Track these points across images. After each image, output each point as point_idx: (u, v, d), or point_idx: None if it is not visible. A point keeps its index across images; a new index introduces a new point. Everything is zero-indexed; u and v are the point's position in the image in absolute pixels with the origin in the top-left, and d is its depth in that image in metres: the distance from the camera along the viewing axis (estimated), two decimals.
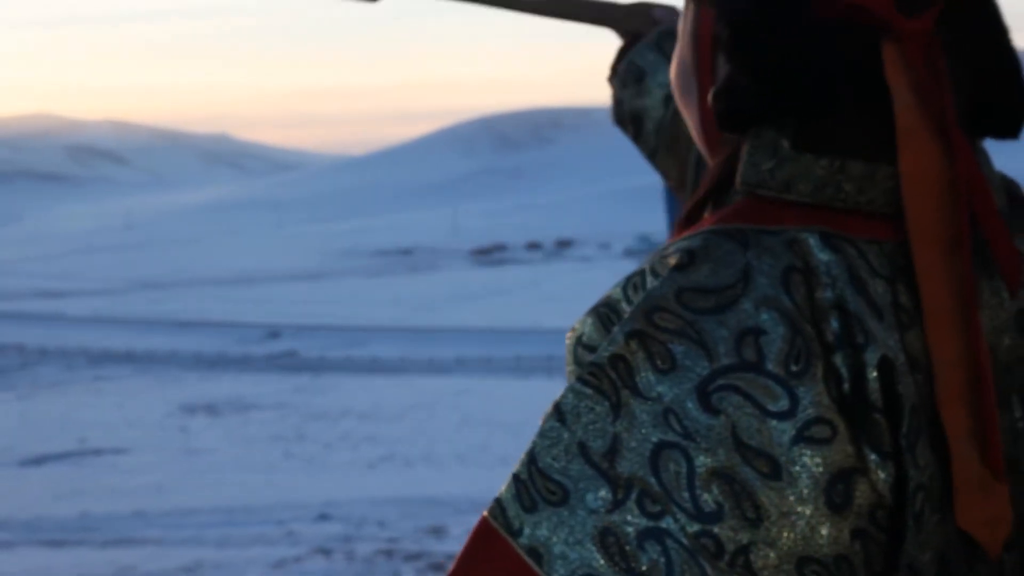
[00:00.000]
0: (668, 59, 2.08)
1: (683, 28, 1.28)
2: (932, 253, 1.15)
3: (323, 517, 15.67)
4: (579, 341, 1.17)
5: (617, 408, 1.09)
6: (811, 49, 1.17)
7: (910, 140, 1.15)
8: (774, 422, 1.07)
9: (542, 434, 1.11)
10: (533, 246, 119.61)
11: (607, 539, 1.07)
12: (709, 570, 1.05)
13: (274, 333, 49.95)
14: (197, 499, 17.78)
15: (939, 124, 1.16)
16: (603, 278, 77.03)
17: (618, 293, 1.15)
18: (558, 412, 1.10)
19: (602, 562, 1.07)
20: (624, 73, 2.13)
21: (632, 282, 1.15)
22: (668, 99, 2.10)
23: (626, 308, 1.14)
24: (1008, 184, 1.27)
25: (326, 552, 12.91)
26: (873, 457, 1.08)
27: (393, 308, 63.37)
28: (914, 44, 1.14)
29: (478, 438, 23.89)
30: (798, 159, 1.16)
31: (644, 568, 1.06)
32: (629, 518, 1.07)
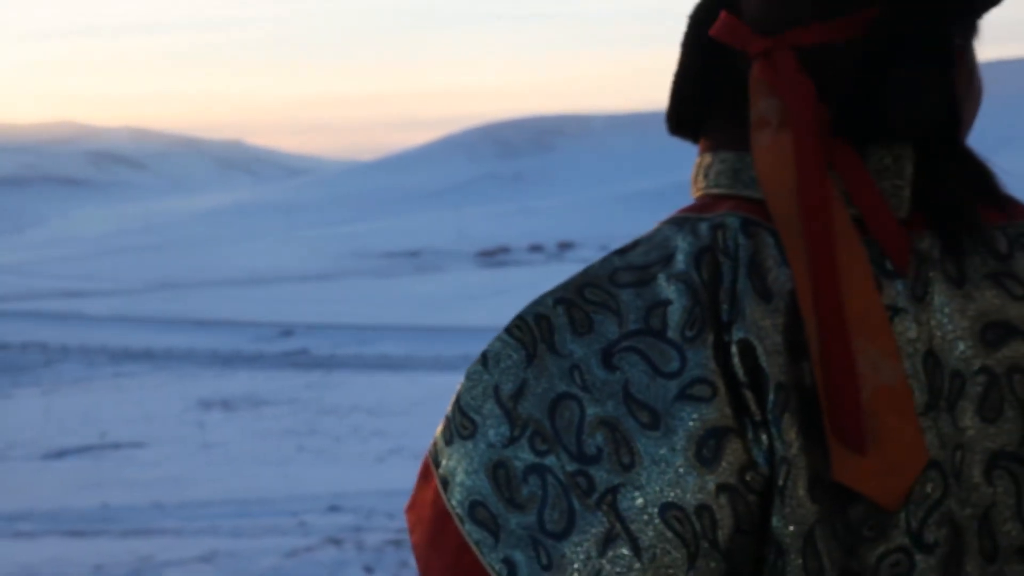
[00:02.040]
0: None
1: None
2: (789, 237, 1.21)
3: (334, 508, 15.67)
4: None
5: (532, 358, 1.18)
6: (708, 74, 1.28)
7: (757, 138, 1.23)
8: (663, 380, 1.15)
9: (467, 376, 1.23)
10: (536, 248, 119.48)
11: (498, 471, 1.16)
12: (577, 505, 1.12)
13: (287, 331, 49.98)
14: (213, 491, 17.79)
15: (788, 128, 1.24)
16: None
17: None
18: (483, 357, 1.22)
19: (490, 490, 1.15)
20: None
21: None
22: None
23: None
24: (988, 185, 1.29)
25: (337, 542, 12.91)
26: (749, 425, 1.13)
27: (401, 307, 63.43)
28: (773, 60, 1.22)
29: None
30: (700, 157, 1.28)
31: (523, 498, 1.14)
32: (520, 454, 1.16)
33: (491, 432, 1.17)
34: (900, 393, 1.14)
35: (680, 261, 1.18)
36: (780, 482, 1.14)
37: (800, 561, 1.11)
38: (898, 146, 1.25)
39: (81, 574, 11.64)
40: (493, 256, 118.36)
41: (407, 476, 18.87)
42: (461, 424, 1.19)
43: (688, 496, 1.12)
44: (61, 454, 22.65)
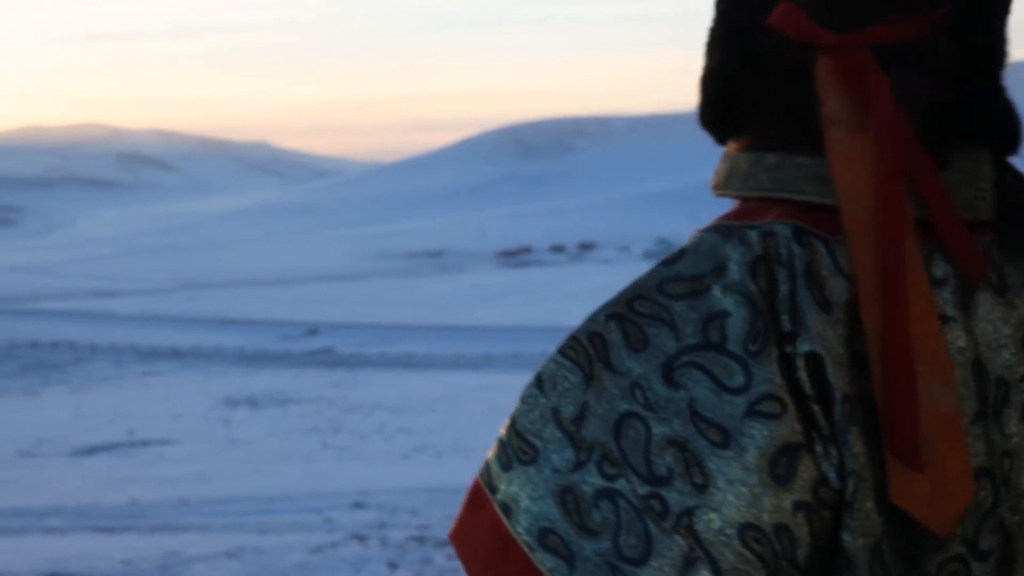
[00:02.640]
0: None
1: None
2: (861, 248, 1.16)
3: (358, 505, 15.67)
4: None
5: (590, 379, 1.13)
6: (750, 69, 1.21)
7: (836, 145, 1.18)
8: (729, 396, 1.10)
9: (523, 399, 1.16)
10: (556, 248, 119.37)
11: (566, 496, 1.11)
12: (653, 528, 1.08)
13: (312, 330, 50.02)
14: (239, 487, 17.80)
15: (865, 130, 1.18)
16: (623, 279, 76.43)
17: None
18: (538, 380, 1.16)
19: (560, 516, 1.10)
20: None
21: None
22: None
23: None
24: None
25: (361, 538, 12.92)
26: (818, 439, 1.09)
27: (424, 307, 63.43)
28: (845, 57, 1.16)
29: None
30: (733, 158, 1.21)
31: (596, 524, 1.09)
32: (588, 478, 1.11)
33: (555, 457, 1.12)
34: (952, 421, 1.12)
35: (734, 271, 1.14)
36: (849, 495, 1.11)
37: (868, 573, 1.09)
38: (975, 149, 1.24)
39: (110, 569, 11.66)
40: (514, 256, 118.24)
41: (430, 473, 18.87)
42: (520, 449, 1.14)
43: (765, 516, 1.09)
44: (90, 451, 22.70)
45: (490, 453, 1.17)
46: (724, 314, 1.12)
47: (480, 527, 1.16)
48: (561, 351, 1.16)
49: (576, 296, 68.09)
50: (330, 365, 38.79)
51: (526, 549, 1.10)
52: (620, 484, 1.09)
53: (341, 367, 38.37)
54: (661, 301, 1.14)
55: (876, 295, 1.12)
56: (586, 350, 1.14)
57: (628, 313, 1.14)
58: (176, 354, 42.77)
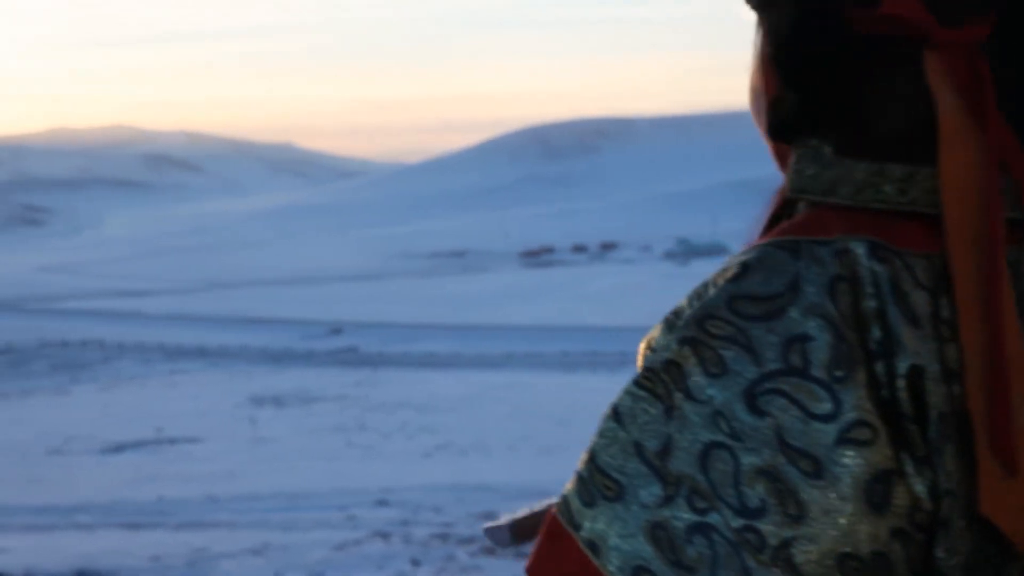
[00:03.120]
0: None
1: (753, 52, 1.25)
2: (965, 255, 1.13)
3: (382, 502, 15.68)
4: (649, 346, 1.17)
5: (670, 410, 1.09)
6: (849, 61, 1.15)
7: (952, 144, 1.14)
8: (818, 424, 1.06)
9: (601, 434, 1.11)
10: (578, 248, 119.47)
11: (657, 532, 1.07)
12: (750, 562, 1.05)
13: (336, 330, 50.13)
14: (264, 485, 17.84)
15: (980, 129, 1.14)
16: (645, 279, 76.83)
17: (684, 303, 1.15)
18: (616, 413, 1.11)
19: (652, 553, 1.07)
20: None
21: (696, 292, 1.15)
22: None
23: None
24: None
25: (384, 536, 12.93)
26: (909, 461, 1.07)
27: (447, 306, 63.47)
28: (956, 53, 1.13)
29: (526, 428, 23.88)
30: (840, 164, 1.15)
31: (691, 560, 1.06)
32: (678, 513, 1.07)
33: (642, 492, 1.09)
34: None
35: (811, 293, 1.10)
36: (944, 515, 1.09)
37: None
38: None
39: (138, 565, 11.70)
40: (537, 256, 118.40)
41: (453, 471, 18.89)
42: (603, 485, 1.10)
43: (863, 545, 1.07)
44: (118, 449, 22.77)
45: (568, 488, 1.13)
46: (805, 338, 1.07)
47: (564, 565, 1.11)
48: (637, 383, 1.10)
49: (598, 296, 68.07)
50: (354, 364, 38.86)
51: None
52: (713, 518, 1.07)
53: (365, 366, 38.43)
54: (735, 322, 1.10)
55: (978, 305, 1.10)
56: (662, 380, 1.11)
57: (702, 336, 1.10)
58: (202, 353, 42.91)
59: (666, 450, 1.09)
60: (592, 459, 1.11)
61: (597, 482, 1.11)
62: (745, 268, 1.12)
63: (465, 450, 21.47)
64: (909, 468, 1.06)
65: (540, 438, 22.26)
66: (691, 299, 1.15)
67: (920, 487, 1.06)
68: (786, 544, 1.05)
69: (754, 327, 1.09)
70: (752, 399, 1.08)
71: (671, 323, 1.15)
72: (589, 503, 1.10)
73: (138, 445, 23.07)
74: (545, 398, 27.99)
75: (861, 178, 1.14)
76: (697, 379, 1.09)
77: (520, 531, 1.41)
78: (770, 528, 1.06)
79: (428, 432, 23.71)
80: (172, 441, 23.47)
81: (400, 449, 21.82)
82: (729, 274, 1.12)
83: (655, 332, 1.17)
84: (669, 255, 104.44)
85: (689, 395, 1.09)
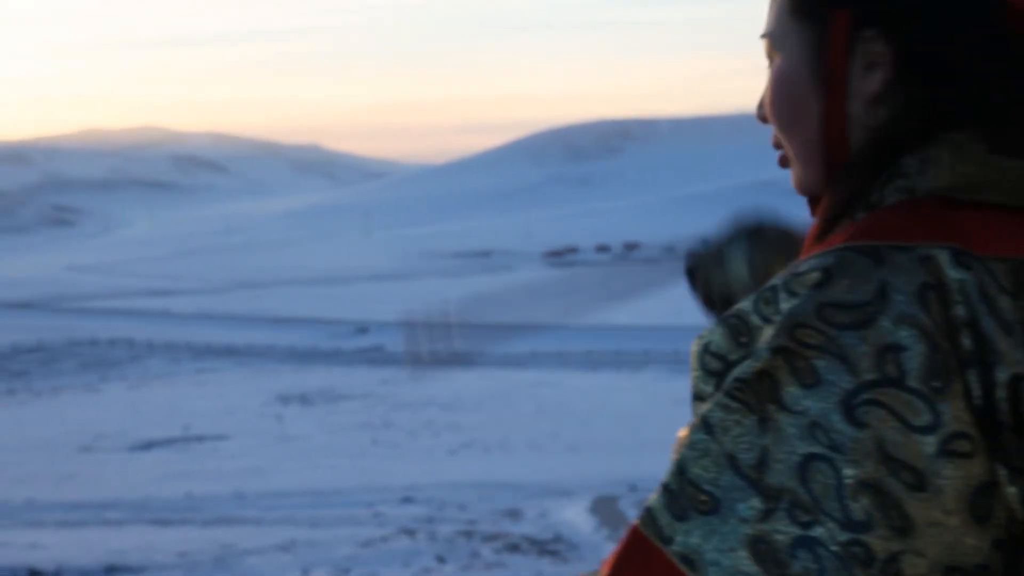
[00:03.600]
0: (746, 237, 1.96)
1: (789, 54, 1.22)
2: None
3: (407, 500, 15.69)
4: (706, 349, 1.14)
5: (764, 422, 1.07)
6: (1003, 60, 1.15)
7: None
8: (917, 436, 1.04)
9: (691, 446, 1.09)
10: (602, 248, 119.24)
11: (759, 547, 1.05)
12: None
13: (362, 329, 50.18)
14: (291, 482, 17.87)
15: None
16: (667, 277, 76.66)
17: (749, 307, 1.13)
18: (706, 425, 1.09)
19: (755, 568, 1.05)
20: (710, 271, 2.02)
21: (763, 296, 1.12)
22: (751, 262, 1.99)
23: (756, 320, 1.12)
24: None
25: (410, 532, 12.93)
26: (1004, 472, 1.06)
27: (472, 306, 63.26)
28: None
29: (551, 427, 23.85)
30: (993, 162, 1.14)
31: (797, 574, 1.04)
32: (780, 527, 1.05)
33: (740, 506, 1.06)
34: None
35: (901, 301, 1.08)
36: None
37: None
38: None
39: (166, 561, 11.73)
40: (561, 256, 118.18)
41: (478, 469, 18.88)
42: (696, 499, 1.07)
43: (968, 558, 1.06)
44: (147, 446, 22.84)
45: (652, 501, 1.10)
46: (899, 348, 1.06)
47: None
48: (729, 394, 1.08)
49: (622, 295, 67.93)
50: (380, 363, 38.87)
51: None
52: (817, 531, 1.04)
53: (391, 365, 38.46)
54: (826, 331, 1.07)
55: None
56: (755, 391, 1.08)
57: (794, 346, 1.07)
58: (230, 352, 43.00)
59: (762, 462, 1.07)
60: (682, 472, 1.09)
61: (689, 495, 1.08)
62: (827, 274, 1.09)
63: (490, 448, 21.46)
64: (1003, 478, 1.04)
65: (564, 436, 22.24)
66: (756, 303, 1.12)
67: (1015, 497, 1.05)
68: (894, 558, 1.04)
69: (845, 336, 1.07)
70: (850, 410, 1.06)
71: (732, 325, 1.13)
72: (681, 516, 1.08)
73: (167, 442, 23.14)
74: (569, 397, 27.96)
75: (1015, 176, 1.13)
76: (791, 390, 1.07)
77: None
78: (877, 542, 1.04)
79: (453, 430, 23.70)
80: (200, 439, 23.52)
81: (425, 447, 21.83)
82: (811, 280, 1.09)
83: (711, 332, 1.15)
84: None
85: (783, 406, 1.07)
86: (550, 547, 11.90)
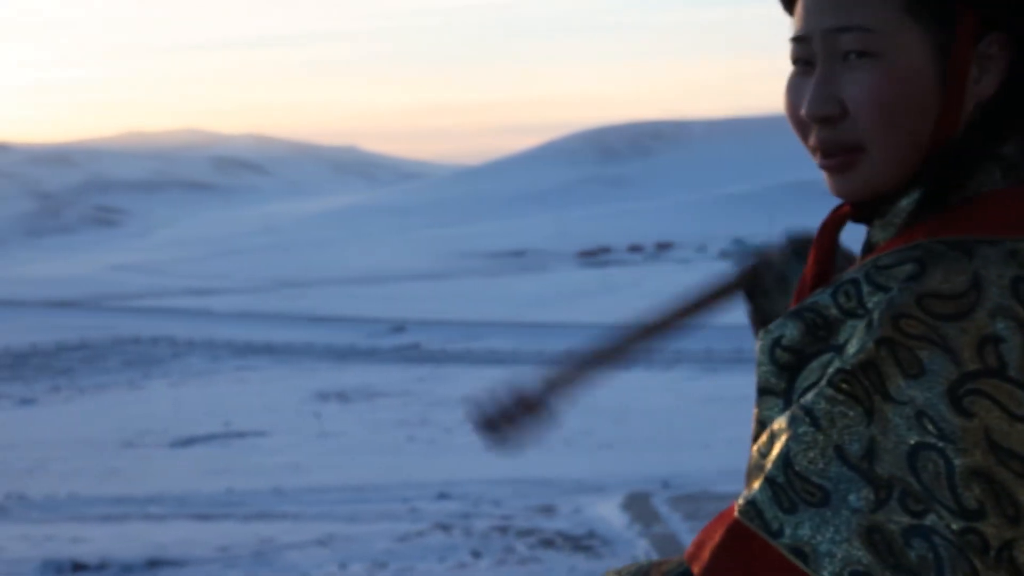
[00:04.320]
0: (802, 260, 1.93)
1: (907, 52, 1.18)
2: None
3: (443, 496, 15.71)
4: (777, 343, 1.13)
5: (870, 412, 1.06)
6: None
7: None
8: (1021, 426, 1.04)
9: (796, 438, 1.07)
10: (635, 248, 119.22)
11: (873, 536, 1.04)
12: (978, 564, 1.02)
13: (399, 327, 50.27)
14: (330, 478, 17.92)
15: None
16: (700, 277, 76.46)
17: (826, 299, 1.11)
18: (811, 417, 1.07)
19: (870, 559, 1.04)
20: (772, 291, 2.00)
21: (843, 290, 1.11)
22: None
23: (835, 313, 1.11)
24: None
25: (446, 528, 12.94)
26: None
27: (507, 305, 63.45)
28: None
29: (584, 424, 23.84)
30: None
31: (913, 563, 1.03)
32: (893, 516, 1.04)
33: (851, 497, 1.05)
34: None
35: (995, 294, 1.08)
36: None
37: None
38: None
39: (207, 555, 11.77)
40: (594, 256, 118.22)
41: (513, 466, 18.89)
42: (805, 490, 1.06)
43: None
44: (188, 442, 22.95)
45: (755, 493, 1.09)
46: (997, 339, 1.06)
47: (760, 571, 1.08)
48: (834, 385, 1.07)
49: (654, 294, 67.85)
50: (417, 361, 38.97)
51: None
52: (930, 520, 1.04)
53: (427, 363, 38.53)
54: (927, 321, 1.07)
55: None
56: (860, 382, 1.07)
57: (897, 336, 1.06)
58: (270, 350, 43.19)
59: (871, 453, 1.06)
60: (788, 464, 1.07)
61: (797, 487, 1.07)
62: (920, 265, 1.09)
63: (525, 445, 21.48)
64: None
65: (597, 433, 22.23)
66: (834, 296, 1.11)
67: None
68: (1008, 545, 1.04)
69: (946, 326, 1.07)
70: (957, 400, 1.06)
71: (808, 319, 1.12)
72: (789, 509, 1.06)
73: (207, 439, 23.25)
74: (602, 394, 27.92)
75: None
76: (896, 380, 1.06)
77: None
78: (991, 530, 1.04)
79: None
80: (240, 435, 23.62)
81: (461, 444, 21.86)
82: (904, 272, 1.09)
83: (781, 326, 1.13)
84: (724, 254, 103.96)
85: (889, 397, 1.06)
86: (583, 543, 11.89)
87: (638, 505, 13.97)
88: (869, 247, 1.19)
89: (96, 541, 12.61)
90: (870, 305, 1.09)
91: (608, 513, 13.62)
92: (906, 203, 1.18)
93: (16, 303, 63.06)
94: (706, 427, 22.18)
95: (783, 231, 1.93)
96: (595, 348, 1.79)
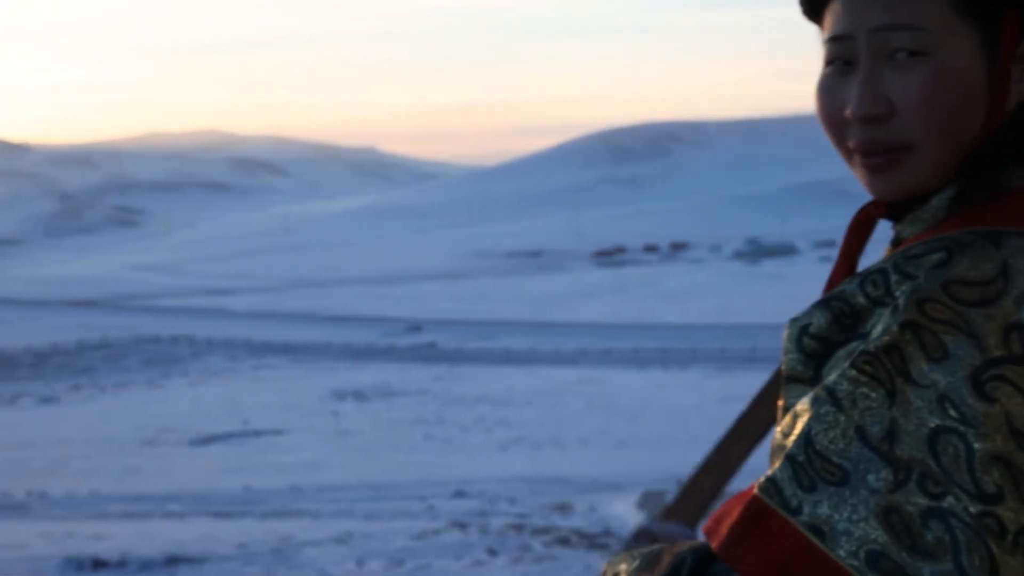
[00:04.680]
0: None
1: (957, 52, 1.19)
2: None
3: (460, 494, 15.71)
4: (805, 331, 1.13)
5: (892, 395, 1.06)
6: None
7: None
8: None
9: (818, 418, 1.07)
10: (650, 248, 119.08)
11: (891, 517, 1.04)
12: (995, 548, 1.02)
13: (416, 327, 50.29)
14: (347, 476, 17.93)
15: None
16: (714, 278, 76.43)
17: (854, 288, 1.12)
18: (833, 398, 1.07)
19: (887, 538, 1.04)
20: None
21: (870, 279, 1.11)
22: None
23: (863, 302, 1.11)
24: None
25: (462, 526, 12.94)
26: None
27: (523, 304, 63.46)
28: None
29: (599, 423, 23.82)
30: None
31: (929, 544, 1.03)
32: (912, 498, 1.04)
33: (870, 477, 1.05)
34: None
35: (1022, 282, 1.09)
36: None
37: None
38: None
39: (226, 552, 11.79)
40: (610, 256, 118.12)
41: (529, 464, 18.88)
42: (825, 470, 1.07)
43: None
44: (208, 440, 22.99)
45: (776, 471, 1.09)
46: (1022, 327, 1.07)
47: (773, 547, 1.08)
48: (856, 366, 1.07)
49: (669, 294, 67.79)
50: (433, 360, 38.98)
51: (856, 574, 1.03)
52: (948, 502, 1.04)
53: (444, 362, 38.53)
54: (953, 306, 1.07)
55: None
56: (883, 364, 1.07)
57: (922, 319, 1.07)
58: (287, 349, 43.25)
59: (891, 434, 1.06)
60: (809, 443, 1.07)
61: (817, 466, 1.07)
62: (950, 253, 1.10)
63: (540, 443, 21.45)
64: None
65: (613, 432, 22.20)
66: (862, 285, 1.11)
67: None
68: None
69: (972, 311, 1.07)
70: (980, 385, 1.06)
71: (835, 308, 1.12)
72: (808, 487, 1.06)
73: (226, 437, 23.29)
74: (618, 393, 27.91)
75: None
76: (919, 364, 1.06)
77: (673, 514, 1.35)
78: (1009, 514, 1.04)
79: (504, 426, 23.72)
80: (258, 433, 23.65)
81: (477, 442, 21.85)
82: (932, 260, 1.09)
83: (808, 315, 1.13)
84: (738, 254, 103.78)
85: (911, 380, 1.06)
86: (599, 540, 11.88)
87: (653, 503, 13.95)
88: (897, 242, 1.19)
89: (116, 538, 12.64)
90: (897, 294, 1.09)
91: (624, 511, 13.61)
92: (937, 200, 1.18)
93: (38, 303, 63.29)
94: (721, 426, 22.12)
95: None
96: (700, 470, 1.77)
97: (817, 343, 1.12)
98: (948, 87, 1.17)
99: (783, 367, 1.15)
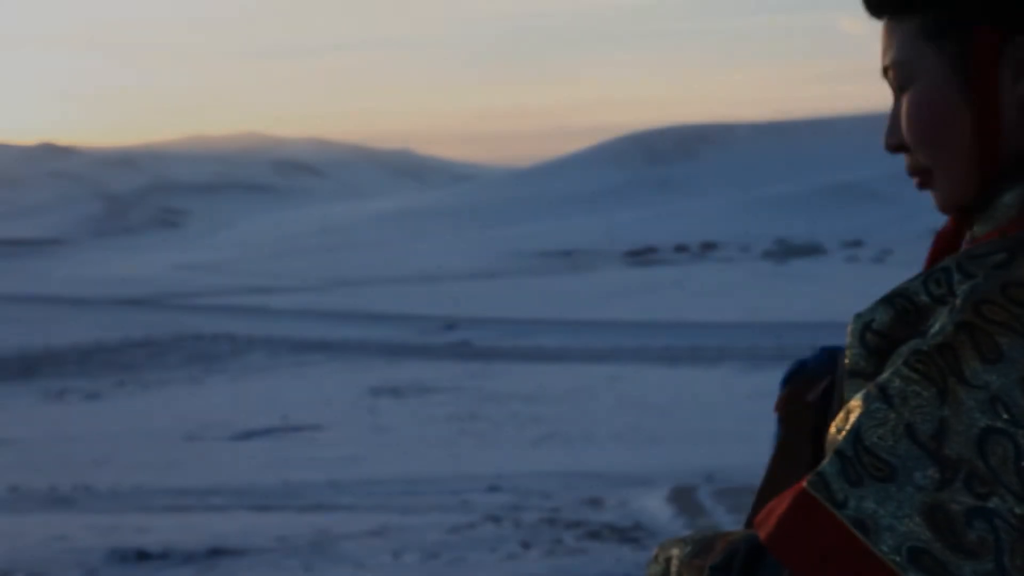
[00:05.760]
0: None
1: (929, 76, 1.19)
2: None
3: (493, 488, 15.71)
4: (868, 327, 1.13)
5: (944, 394, 1.05)
6: None
7: None
8: None
9: (868, 414, 1.07)
10: (680, 248, 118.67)
11: (935, 515, 1.03)
12: None
13: (451, 325, 50.35)
14: (384, 470, 17.97)
15: None
16: (744, 277, 76.14)
17: (917, 286, 1.11)
18: (884, 395, 1.07)
19: (930, 536, 1.03)
20: None
21: (934, 278, 1.11)
22: None
23: (925, 300, 1.11)
24: None
25: (496, 519, 12.94)
26: None
27: (556, 303, 63.44)
28: None
29: (631, 419, 23.79)
30: None
31: (972, 543, 1.02)
32: (957, 497, 1.03)
33: (917, 474, 1.04)
34: None
35: None
36: None
37: None
38: None
39: (265, 545, 11.83)
40: (641, 256, 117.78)
41: (561, 459, 18.87)
42: (873, 465, 1.06)
43: None
44: (248, 435, 23.08)
45: (827, 466, 1.08)
46: None
47: (819, 539, 1.07)
48: (909, 365, 1.06)
49: (699, 293, 67.58)
50: (468, 357, 39.00)
51: (897, 569, 1.03)
52: (994, 502, 1.03)
53: (478, 359, 38.55)
54: (1010, 308, 1.06)
55: None
56: (936, 363, 1.06)
57: (977, 320, 1.06)
58: (326, 346, 43.35)
59: (940, 433, 1.05)
60: (858, 439, 1.07)
61: (865, 462, 1.06)
62: (1011, 255, 1.09)
63: (572, 439, 21.44)
64: None
65: (644, 428, 22.16)
66: (925, 283, 1.11)
67: None
68: None
69: None
70: None
71: (899, 305, 1.11)
72: (856, 482, 1.06)
73: (266, 432, 23.36)
74: (649, 390, 27.86)
75: None
76: (972, 364, 1.05)
77: None
78: None
79: (537, 422, 23.71)
80: (297, 429, 23.72)
81: (511, 438, 21.85)
82: (993, 261, 1.09)
83: (872, 311, 1.13)
84: (767, 254, 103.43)
85: (964, 380, 1.05)
86: (630, 535, 11.86)
87: (683, 498, 13.92)
88: (970, 241, 1.20)
89: (159, 531, 12.70)
90: (959, 293, 1.08)
91: (654, 506, 13.58)
92: (1008, 198, 1.18)
93: (83, 301, 63.69)
94: (750, 422, 22.07)
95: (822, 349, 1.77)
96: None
97: (879, 339, 1.12)
98: (925, 111, 1.19)
99: (846, 361, 1.15)
